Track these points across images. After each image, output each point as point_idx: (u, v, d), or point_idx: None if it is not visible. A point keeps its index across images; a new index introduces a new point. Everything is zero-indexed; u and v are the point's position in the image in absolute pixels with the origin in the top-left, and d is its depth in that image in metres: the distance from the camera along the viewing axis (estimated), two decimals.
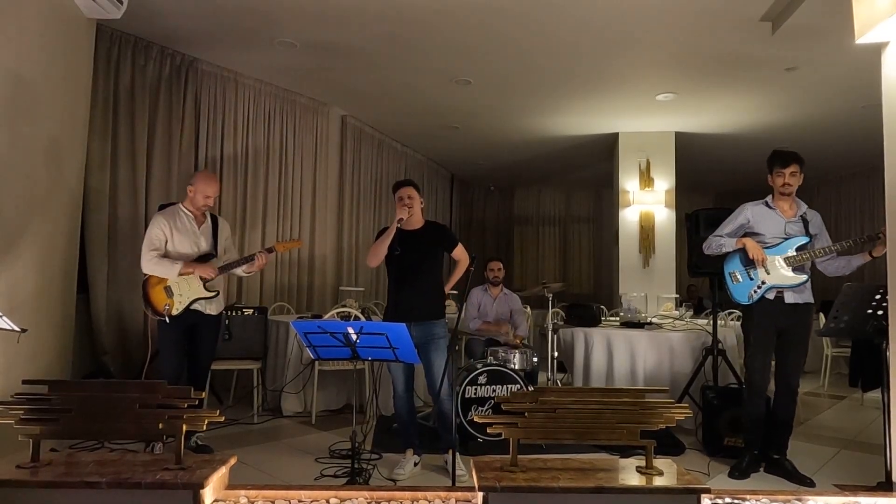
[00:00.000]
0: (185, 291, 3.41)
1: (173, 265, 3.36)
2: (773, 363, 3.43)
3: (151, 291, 3.41)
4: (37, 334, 3.21)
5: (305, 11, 4.36)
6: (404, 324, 2.65)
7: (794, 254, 3.24)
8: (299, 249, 6.28)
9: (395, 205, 3.41)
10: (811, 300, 3.32)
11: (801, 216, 3.34)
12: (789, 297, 3.26)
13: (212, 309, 3.54)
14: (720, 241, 3.39)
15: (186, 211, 3.52)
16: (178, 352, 3.43)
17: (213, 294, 3.50)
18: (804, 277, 3.25)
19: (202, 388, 3.49)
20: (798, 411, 4.62)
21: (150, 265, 3.37)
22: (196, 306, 3.44)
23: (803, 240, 3.27)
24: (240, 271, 3.62)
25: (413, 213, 3.34)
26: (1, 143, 3.02)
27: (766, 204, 3.38)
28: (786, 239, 3.29)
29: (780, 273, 3.25)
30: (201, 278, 3.43)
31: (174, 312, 3.37)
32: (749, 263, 3.29)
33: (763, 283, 3.26)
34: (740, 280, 3.33)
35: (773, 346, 3.32)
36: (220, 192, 3.59)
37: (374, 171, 7.73)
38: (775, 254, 3.27)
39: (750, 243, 3.27)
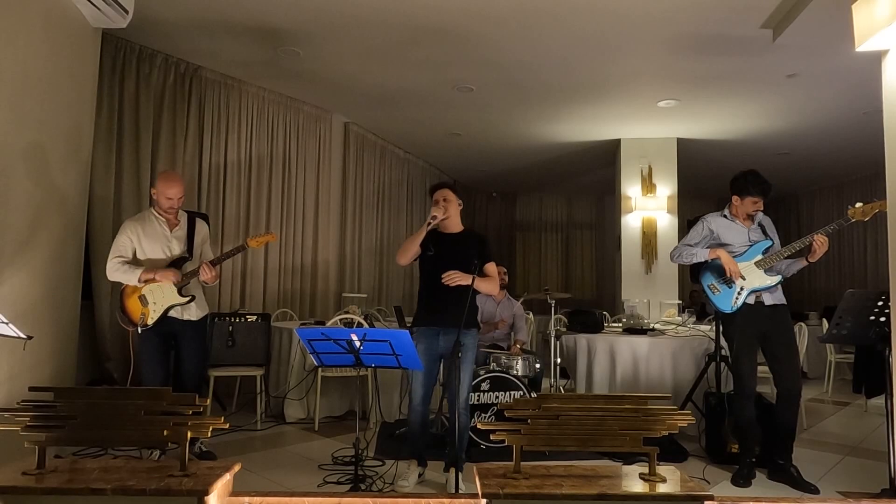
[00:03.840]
0: (159, 299, 3.34)
1: (133, 271, 3.28)
2: (770, 373, 3.47)
3: (128, 301, 3.36)
4: (42, 341, 3.23)
5: (308, 20, 4.39)
6: (407, 331, 2.65)
7: (763, 257, 3.38)
8: (302, 256, 6.29)
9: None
10: (785, 302, 3.45)
11: (759, 223, 3.51)
12: (768, 300, 3.38)
13: (191, 314, 3.45)
14: (691, 251, 3.48)
15: (157, 214, 3.45)
16: (160, 361, 3.36)
17: (188, 299, 3.40)
18: (778, 278, 3.38)
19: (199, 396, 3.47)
20: (802, 418, 4.62)
21: (111, 271, 3.32)
22: (173, 313, 3.38)
23: (768, 243, 3.44)
24: (199, 280, 3.45)
25: (449, 215, 3.24)
26: (7, 151, 3.05)
27: (725, 216, 3.54)
28: (752, 245, 3.43)
29: (755, 278, 3.36)
30: (174, 283, 3.36)
31: (149, 322, 3.31)
32: (724, 275, 3.40)
33: (742, 289, 3.36)
34: (720, 291, 3.43)
35: (757, 349, 3.40)
36: (182, 192, 3.44)
37: (377, 178, 7.75)
38: (746, 260, 3.40)
39: (724, 257, 3.37)
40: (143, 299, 3.34)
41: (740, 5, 4.03)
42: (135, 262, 3.37)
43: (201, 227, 3.62)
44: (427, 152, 8.56)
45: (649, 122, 6.76)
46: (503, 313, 5.06)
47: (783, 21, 4.18)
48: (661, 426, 2.04)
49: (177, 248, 3.46)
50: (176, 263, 3.41)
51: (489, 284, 3.21)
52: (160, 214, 3.44)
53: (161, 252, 3.41)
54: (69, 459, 2.21)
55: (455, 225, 3.30)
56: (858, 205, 3.13)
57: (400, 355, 2.73)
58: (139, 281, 3.31)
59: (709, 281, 3.47)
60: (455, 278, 3.02)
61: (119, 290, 3.41)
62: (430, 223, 3.15)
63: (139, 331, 3.30)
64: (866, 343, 3.08)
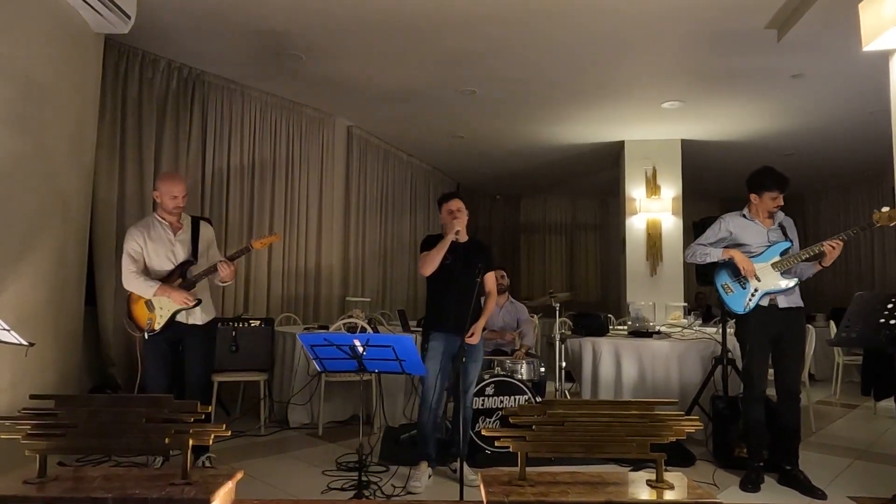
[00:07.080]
0: (164, 304, 3.32)
1: (150, 286, 3.26)
2: (774, 373, 3.43)
3: (134, 307, 3.34)
4: (45, 347, 3.22)
5: (311, 24, 4.38)
6: (410, 336, 2.65)
7: (780, 258, 3.31)
8: (306, 260, 6.28)
9: (443, 217, 3.49)
10: (801, 304, 3.38)
11: (779, 224, 3.42)
12: (782, 302, 3.32)
13: (196, 318, 3.40)
14: (705, 251, 3.43)
15: (160, 219, 3.41)
16: (164, 368, 3.34)
17: (194, 303, 3.35)
18: (795, 281, 3.31)
19: (206, 402, 3.44)
20: (810, 421, 4.58)
21: (128, 282, 3.31)
22: (179, 317, 3.35)
23: (786, 244, 3.35)
24: (216, 281, 3.42)
25: (464, 224, 3.42)
26: (10, 156, 3.04)
27: (744, 216, 3.45)
28: (769, 246, 3.36)
29: (770, 279, 3.30)
30: (185, 304, 3.32)
31: (156, 327, 3.29)
32: (738, 274, 3.34)
33: (756, 290, 3.30)
34: (733, 291, 3.38)
35: (769, 351, 3.35)
36: (186, 191, 3.41)
37: (380, 181, 7.75)
38: (763, 261, 3.33)
39: (738, 256, 3.31)
40: (149, 305, 3.32)
41: (745, 5, 4.00)
42: (144, 268, 3.36)
43: (206, 231, 3.57)
44: (430, 155, 8.55)
45: (653, 124, 6.73)
46: (507, 318, 5.03)
47: (788, 20, 4.16)
48: (669, 432, 2.01)
49: (181, 253, 3.41)
50: (181, 267, 3.38)
51: (493, 301, 3.54)
52: (164, 218, 3.40)
53: (165, 257, 3.38)
54: (71, 468, 2.19)
55: (464, 234, 3.47)
56: (885, 209, 2.98)
57: (403, 360, 2.71)
58: (153, 296, 3.30)
59: (723, 280, 3.42)
60: (476, 334, 3.33)
61: (125, 296, 3.39)
62: (456, 235, 3.34)
63: (146, 336, 3.28)
64: (875, 346, 3.05)
